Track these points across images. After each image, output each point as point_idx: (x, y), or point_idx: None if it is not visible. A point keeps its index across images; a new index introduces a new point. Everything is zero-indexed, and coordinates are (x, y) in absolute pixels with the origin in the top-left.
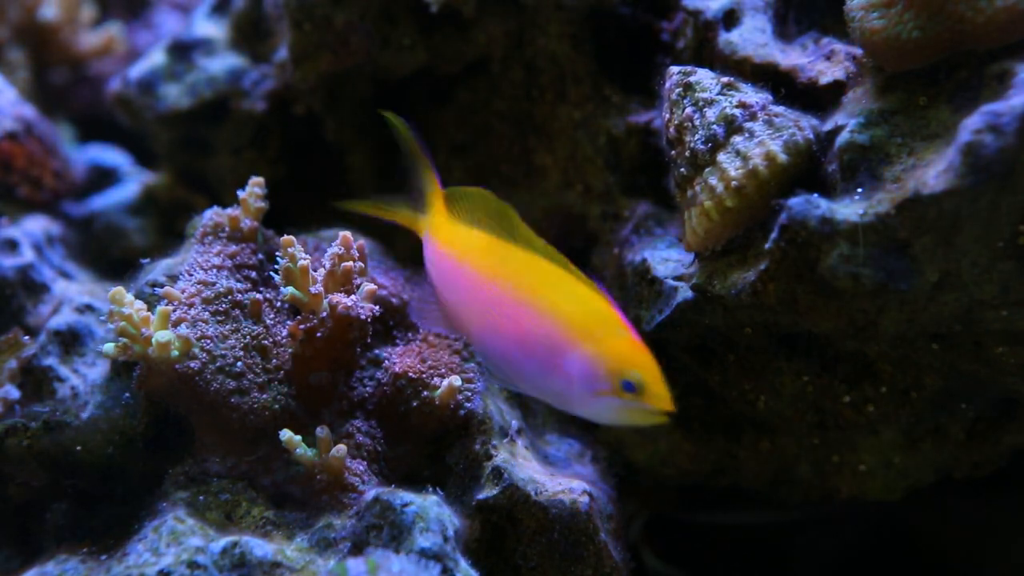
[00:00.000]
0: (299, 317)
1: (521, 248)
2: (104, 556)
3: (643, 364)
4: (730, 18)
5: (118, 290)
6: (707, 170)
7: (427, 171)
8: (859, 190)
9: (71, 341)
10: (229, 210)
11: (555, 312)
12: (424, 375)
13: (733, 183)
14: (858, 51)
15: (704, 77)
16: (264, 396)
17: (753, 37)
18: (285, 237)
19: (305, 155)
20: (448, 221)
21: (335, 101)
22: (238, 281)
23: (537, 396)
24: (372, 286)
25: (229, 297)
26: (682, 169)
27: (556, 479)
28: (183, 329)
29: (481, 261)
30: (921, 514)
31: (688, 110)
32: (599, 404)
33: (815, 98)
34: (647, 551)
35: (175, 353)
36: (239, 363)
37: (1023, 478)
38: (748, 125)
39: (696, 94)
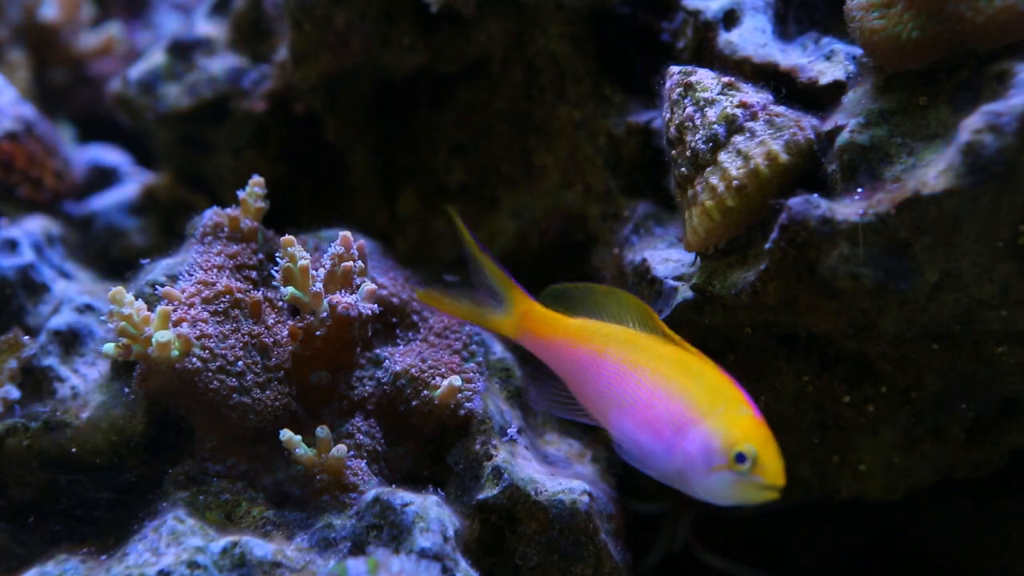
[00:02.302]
0: (299, 317)
1: (653, 334)
2: (104, 556)
3: (759, 438)
4: (730, 18)
5: (118, 290)
6: (708, 170)
7: (494, 269)
8: (859, 190)
9: (71, 341)
10: (229, 210)
11: (683, 392)
12: (424, 375)
13: (735, 182)
14: (858, 51)
15: (705, 77)
16: (264, 395)
17: (753, 37)
18: (285, 237)
19: (305, 155)
20: (549, 312)
21: (335, 101)
22: (238, 281)
23: (666, 481)
24: (372, 286)
25: (229, 297)
26: (683, 169)
27: (556, 479)
28: (183, 329)
29: (620, 351)
30: (921, 514)
31: (689, 110)
32: (714, 480)
33: (815, 98)
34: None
35: (175, 353)
36: (239, 363)
37: (1023, 478)
38: (749, 125)
39: (697, 94)
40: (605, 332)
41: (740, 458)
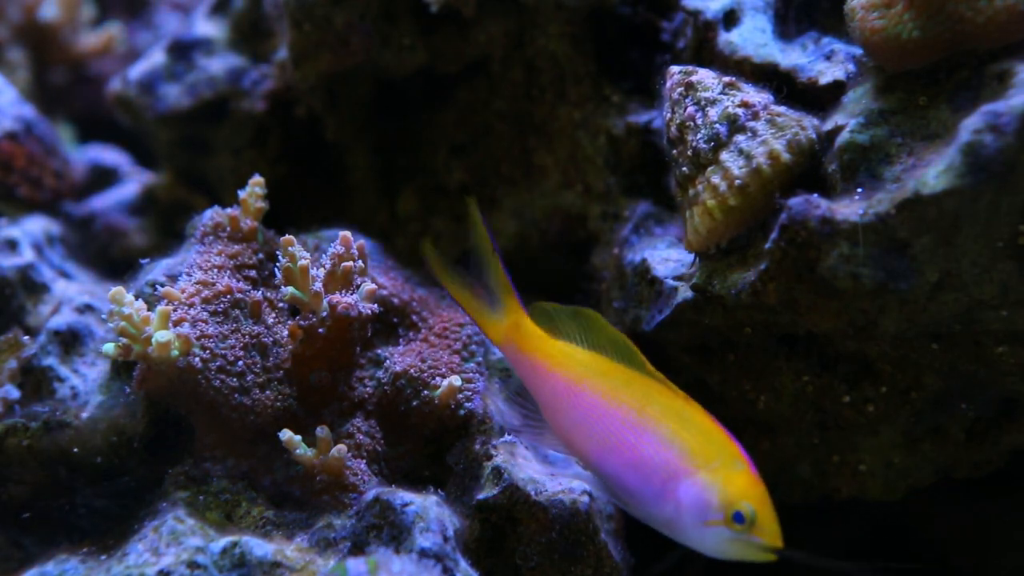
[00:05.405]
0: (299, 316)
1: (634, 370)
2: (104, 556)
3: (757, 497)
4: (730, 18)
5: (118, 290)
6: (710, 169)
7: (498, 270)
8: (859, 190)
9: (71, 341)
10: (229, 210)
11: (674, 440)
12: (424, 375)
13: (736, 182)
14: (858, 51)
15: (706, 77)
16: (264, 395)
17: (753, 37)
18: (285, 237)
19: (305, 155)
20: (536, 329)
21: (335, 101)
22: (239, 281)
23: (646, 520)
24: (372, 286)
25: (229, 297)
26: (684, 168)
27: (556, 479)
28: (183, 329)
29: (600, 384)
30: (921, 514)
31: (690, 109)
32: (708, 534)
33: (815, 98)
34: None
35: (175, 353)
36: (239, 362)
37: (1023, 478)
38: (751, 124)
39: (698, 93)
40: (584, 361)
41: (738, 517)
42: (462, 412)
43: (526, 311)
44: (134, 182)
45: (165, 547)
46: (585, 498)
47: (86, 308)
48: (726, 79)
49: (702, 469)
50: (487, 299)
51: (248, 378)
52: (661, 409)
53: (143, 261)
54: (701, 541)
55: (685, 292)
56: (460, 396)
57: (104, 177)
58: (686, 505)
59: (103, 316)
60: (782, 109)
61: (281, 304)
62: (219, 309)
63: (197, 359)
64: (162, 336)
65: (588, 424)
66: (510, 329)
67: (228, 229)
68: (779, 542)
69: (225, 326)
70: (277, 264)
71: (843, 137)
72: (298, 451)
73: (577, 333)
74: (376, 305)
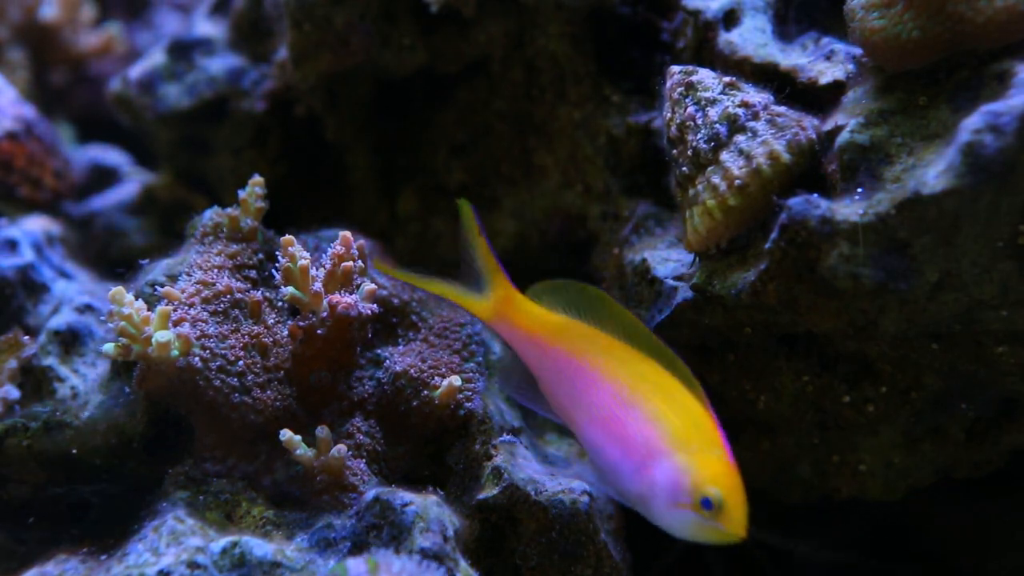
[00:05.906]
0: (299, 316)
1: (637, 349)
2: (104, 556)
3: (727, 485)
4: (730, 18)
5: (118, 290)
6: (709, 169)
7: (485, 251)
8: (859, 190)
9: (71, 341)
10: (229, 210)
11: (659, 419)
12: (424, 375)
13: (736, 182)
14: (858, 51)
15: (706, 76)
16: (265, 395)
17: (753, 37)
18: (285, 237)
19: (305, 155)
20: (530, 303)
21: (335, 101)
22: (238, 281)
23: (623, 500)
24: (372, 286)
25: (229, 297)
26: (684, 168)
27: (556, 479)
28: (184, 329)
29: (600, 358)
30: (921, 514)
31: (690, 109)
32: (676, 515)
33: (815, 98)
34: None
35: (175, 353)
36: (239, 362)
37: (1023, 478)
38: (751, 124)
39: (698, 93)
40: (585, 335)
41: (706, 503)
42: (462, 412)
43: (516, 287)
44: (134, 182)
45: (165, 547)
46: (585, 498)
47: (86, 308)
48: (726, 79)
49: (679, 451)
50: (472, 283)
51: (248, 378)
52: (653, 388)
53: (143, 261)
54: (669, 522)
55: (685, 292)
56: (460, 396)
57: (104, 177)
58: (659, 485)
59: (103, 316)
60: (782, 109)
61: (281, 304)
62: (219, 309)
63: (197, 359)
64: (162, 336)
65: (583, 397)
66: (500, 303)
67: (228, 229)
68: (743, 532)
69: (225, 326)
70: (277, 264)
71: (843, 137)
72: (298, 451)
73: (582, 309)
74: (376, 305)
